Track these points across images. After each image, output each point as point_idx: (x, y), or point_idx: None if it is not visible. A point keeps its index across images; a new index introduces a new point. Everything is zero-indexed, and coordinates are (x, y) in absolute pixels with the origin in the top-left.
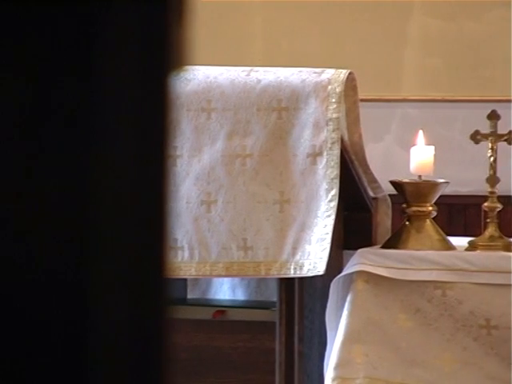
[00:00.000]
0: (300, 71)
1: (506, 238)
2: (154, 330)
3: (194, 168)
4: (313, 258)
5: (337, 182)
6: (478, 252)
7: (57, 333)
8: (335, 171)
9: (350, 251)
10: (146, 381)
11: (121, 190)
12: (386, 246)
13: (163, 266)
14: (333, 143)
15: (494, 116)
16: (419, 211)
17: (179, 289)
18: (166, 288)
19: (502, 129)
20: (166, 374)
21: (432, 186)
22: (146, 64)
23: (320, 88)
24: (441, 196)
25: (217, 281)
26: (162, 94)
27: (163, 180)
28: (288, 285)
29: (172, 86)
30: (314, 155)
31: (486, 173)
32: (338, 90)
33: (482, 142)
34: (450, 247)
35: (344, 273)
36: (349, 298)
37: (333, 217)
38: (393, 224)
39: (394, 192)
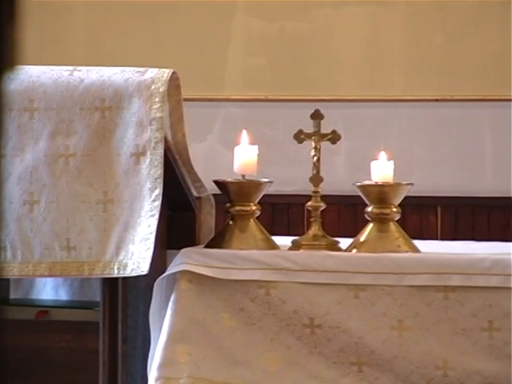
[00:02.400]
0: (123, 71)
1: (329, 237)
2: None
3: (17, 168)
4: (136, 257)
5: (160, 181)
6: (301, 251)
7: None
8: (159, 171)
9: (174, 251)
10: None
11: None
12: (209, 245)
13: None
14: (156, 143)
15: (317, 115)
16: (243, 210)
17: (1, 289)
18: None
19: (325, 128)
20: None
21: (255, 185)
22: None
23: (143, 87)
24: (264, 195)
25: (40, 281)
26: None
27: None
28: (111, 285)
29: (4, 86)
30: (138, 155)
31: (310, 172)
32: (161, 89)
33: (305, 142)
34: (274, 246)
35: (167, 272)
36: (172, 298)
37: (156, 216)
38: (216, 223)
39: (218, 191)
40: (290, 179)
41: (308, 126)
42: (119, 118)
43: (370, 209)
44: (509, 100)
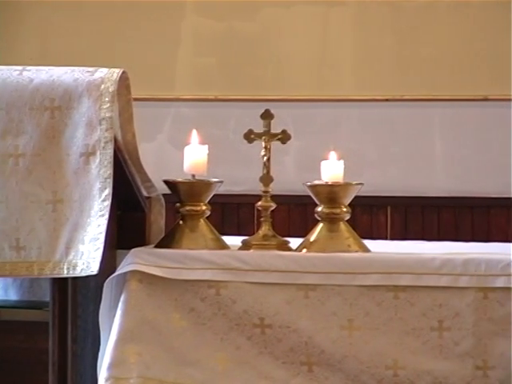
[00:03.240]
0: (73, 70)
1: (279, 236)
2: None
3: None
4: (86, 257)
5: (110, 181)
6: (251, 251)
7: None
8: (108, 171)
9: (124, 251)
10: None
11: None
12: (159, 245)
13: None
14: (106, 142)
15: (267, 115)
16: (193, 210)
17: None
18: None
19: (275, 128)
20: None
21: (205, 185)
22: None
23: (93, 87)
24: (214, 195)
25: None
26: None
27: None
28: (61, 285)
29: None
30: (87, 155)
31: (260, 172)
32: (111, 89)
33: (255, 142)
34: (224, 246)
35: (117, 272)
36: (122, 298)
37: (106, 216)
38: (167, 223)
39: (168, 191)
40: (240, 179)
41: (258, 126)
42: (69, 118)
43: (320, 208)
44: (458, 100)
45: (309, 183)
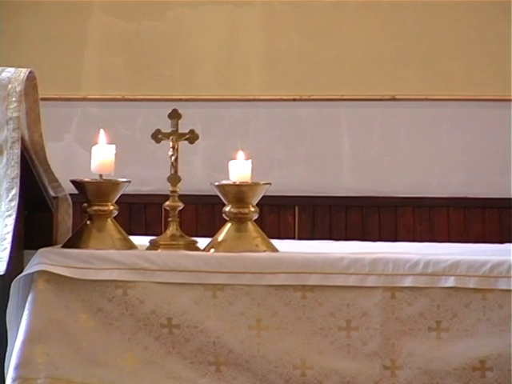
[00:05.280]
0: None
1: (187, 236)
2: None
3: None
4: None
5: (17, 181)
6: (159, 251)
7: None
8: (16, 170)
9: (31, 251)
10: None
11: None
12: (66, 245)
13: None
14: (13, 142)
15: (175, 115)
16: (100, 210)
17: None
18: None
19: (183, 127)
20: None
21: (113, 185)
22: None
23: (0, 87)
24: (122, 195)
25: None
26: None
27: None
28: None
29: None
30: None
31: (168, 172)
32: (18, 88)
33: (163, 141)
34: (132, 246)
35: (25, 273)
36: (30, 298)
37: (13, 216)
38: (74, 223)
39: (75, 191)
40: (147, 179)
41: (166, 126)
42: None
43: (227, 208)
44: (366, 100)
45: (217, 183)
